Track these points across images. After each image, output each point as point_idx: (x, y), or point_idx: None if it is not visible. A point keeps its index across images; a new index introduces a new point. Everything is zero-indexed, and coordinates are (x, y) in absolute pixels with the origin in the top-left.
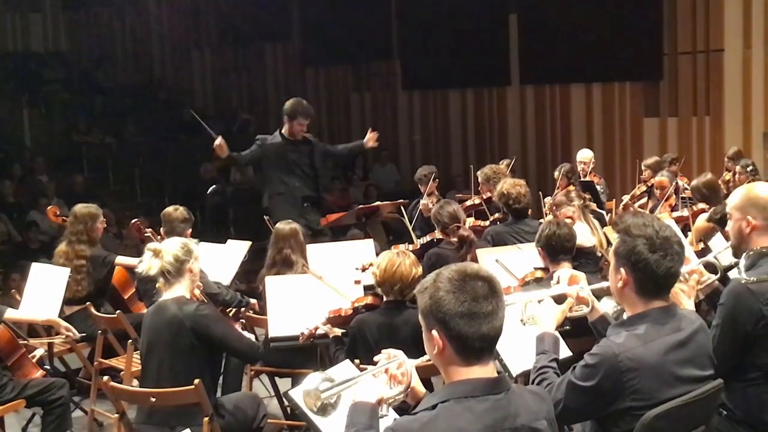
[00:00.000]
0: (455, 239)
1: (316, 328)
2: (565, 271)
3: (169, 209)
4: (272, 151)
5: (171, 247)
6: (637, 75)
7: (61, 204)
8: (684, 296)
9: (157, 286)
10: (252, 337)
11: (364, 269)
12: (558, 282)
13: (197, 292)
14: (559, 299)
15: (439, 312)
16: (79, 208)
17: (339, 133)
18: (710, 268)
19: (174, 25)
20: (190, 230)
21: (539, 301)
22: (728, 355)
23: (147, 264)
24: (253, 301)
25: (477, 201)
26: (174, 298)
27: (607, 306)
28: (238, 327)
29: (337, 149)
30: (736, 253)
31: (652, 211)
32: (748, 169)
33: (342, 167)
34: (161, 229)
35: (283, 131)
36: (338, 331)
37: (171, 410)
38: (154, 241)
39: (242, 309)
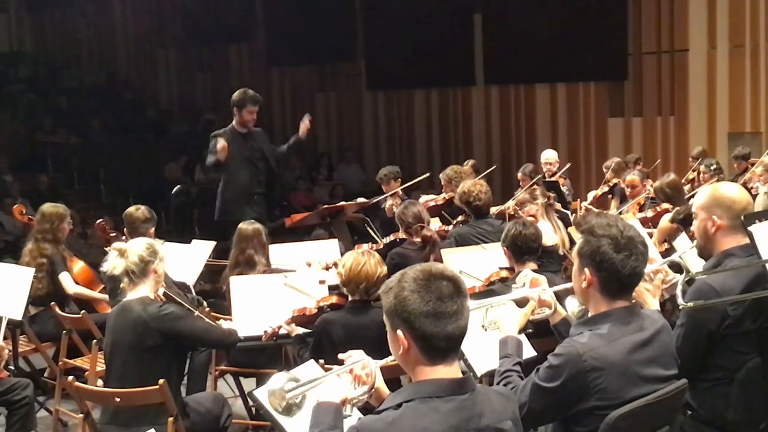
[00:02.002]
0: (418, 239)
1: (279, 327)
2: (526, 273)
3: (131, 209)
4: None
5: (136, 247)
6: (601, 75)
7: (26, 204)
8: (649, 296)
9: (121, 286)
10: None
11: (327, 268)
12: (522, 285)
13: (160, 292)
14: (521, 302)
15: (404, 312)
16: (47, 207)
17: None
18: (675, 267)
19: (139, 25)
20: (153, 229)
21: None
22: (693, 355)
23: (112, 263)
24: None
25: (440, 202)
26: (138, 298)
27: (572, 305)
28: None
29: (280, 149)
30: (702, 253)
31: (617, 211)
32: (713, 168)
33: (306, 167)
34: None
35: (234, 124)
36: (299, 330)
37: (136, 410)
38: (119, 242)
39: (207, 309)
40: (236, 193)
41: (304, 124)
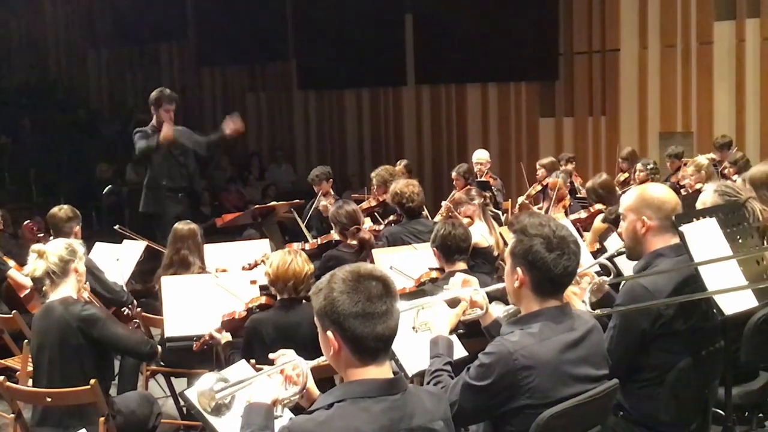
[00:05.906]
0: (354, 242)
1: (210, 336)
2: (458, 275)
3: (54, 210)
4: None
5: (55, 248)
6: (532, 75)
7: None
8: (576, 299)
9: (44, 288)
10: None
11: (254, 266)
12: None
13: (85, 294)
14: (453, 303)
15: (334, 313)
16: None
17: None
18: (603, 269)
19: (69, 24)
20: (78, 227)
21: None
22: (626, 356)
23: (32, 266)
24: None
25: (374, 203)
26: (60, 299)
27: (495, 312)
28: (131, 326)
29: (199, 138)
30: (630, 255)
31: (546, 211)
32: (649, 167)
33: (237, 167)
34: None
35: (154, 122)
36: (229, 337)
37: (66, 410)
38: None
39: (138, 309)
40: (159, 187)
41: (234, 124)
